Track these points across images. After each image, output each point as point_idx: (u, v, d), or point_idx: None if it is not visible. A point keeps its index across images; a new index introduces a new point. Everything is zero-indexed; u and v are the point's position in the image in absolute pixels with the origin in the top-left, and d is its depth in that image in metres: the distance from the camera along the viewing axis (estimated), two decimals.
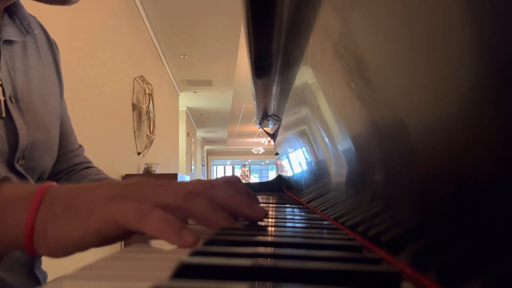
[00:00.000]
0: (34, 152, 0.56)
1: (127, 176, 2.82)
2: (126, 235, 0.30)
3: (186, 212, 0.32)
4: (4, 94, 0.53)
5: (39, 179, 0.59)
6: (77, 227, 0.30)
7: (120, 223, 0.29)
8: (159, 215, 0.29)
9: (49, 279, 0.63)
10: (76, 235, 0.30)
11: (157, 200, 0.31)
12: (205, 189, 0.34)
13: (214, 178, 0.41)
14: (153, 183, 0.33)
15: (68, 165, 0.71)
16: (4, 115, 0.52)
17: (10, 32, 0.57)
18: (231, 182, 0.39)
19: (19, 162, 0.53)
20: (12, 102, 0.54)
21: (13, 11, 0.59)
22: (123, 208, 0.29)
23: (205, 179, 0.53)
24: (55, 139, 0.63)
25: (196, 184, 0.35)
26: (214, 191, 0.34)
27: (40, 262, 0.61)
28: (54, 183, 0.34)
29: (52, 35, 0.69)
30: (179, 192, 0.32)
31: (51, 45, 0.68)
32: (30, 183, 0.34)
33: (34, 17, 0.67)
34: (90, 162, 0.76)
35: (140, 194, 0.31)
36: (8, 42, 0.57)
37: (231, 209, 0.34)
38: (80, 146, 0.77)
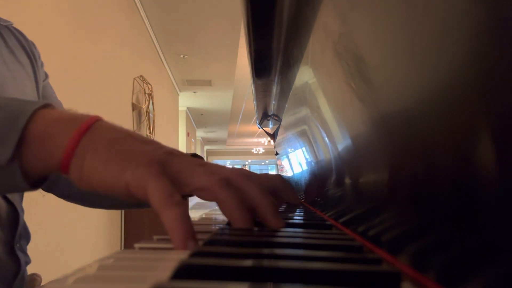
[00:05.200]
0: None
1: None
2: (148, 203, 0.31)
3: (215, 197, 0.32)
4: None
5: None
6: (112, 172, 0.30)
7: (146, 195, 0.29)
8: (179, 214, 0.28)
9: (46, 280, 0.63)
10: (108, 179, 0.30)
11: (192, 180, 0.32)
12: (241, 178, 0.34)
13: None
14: (192, 159, 0.33)
15: None
16: None
17: None
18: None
19: None
20: None
21: None
22: (156, 186, 0.29)
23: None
24: None
25: (232, 171, 0.34)
26: (250, 183, 0.34)
27: (22, 243, 0.60)
28: (102, 118, 0.34)
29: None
30: (215, 174, 0.32)
31: (27, 41, 0.66)
32: (77, 112, 0.34)
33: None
34: None
35: (179, 168, 0.32)
36: None
37: (256, 206, 0.34)
38: None
